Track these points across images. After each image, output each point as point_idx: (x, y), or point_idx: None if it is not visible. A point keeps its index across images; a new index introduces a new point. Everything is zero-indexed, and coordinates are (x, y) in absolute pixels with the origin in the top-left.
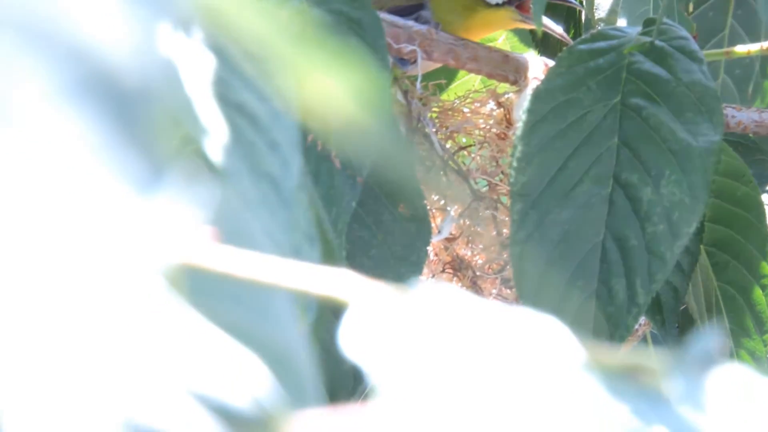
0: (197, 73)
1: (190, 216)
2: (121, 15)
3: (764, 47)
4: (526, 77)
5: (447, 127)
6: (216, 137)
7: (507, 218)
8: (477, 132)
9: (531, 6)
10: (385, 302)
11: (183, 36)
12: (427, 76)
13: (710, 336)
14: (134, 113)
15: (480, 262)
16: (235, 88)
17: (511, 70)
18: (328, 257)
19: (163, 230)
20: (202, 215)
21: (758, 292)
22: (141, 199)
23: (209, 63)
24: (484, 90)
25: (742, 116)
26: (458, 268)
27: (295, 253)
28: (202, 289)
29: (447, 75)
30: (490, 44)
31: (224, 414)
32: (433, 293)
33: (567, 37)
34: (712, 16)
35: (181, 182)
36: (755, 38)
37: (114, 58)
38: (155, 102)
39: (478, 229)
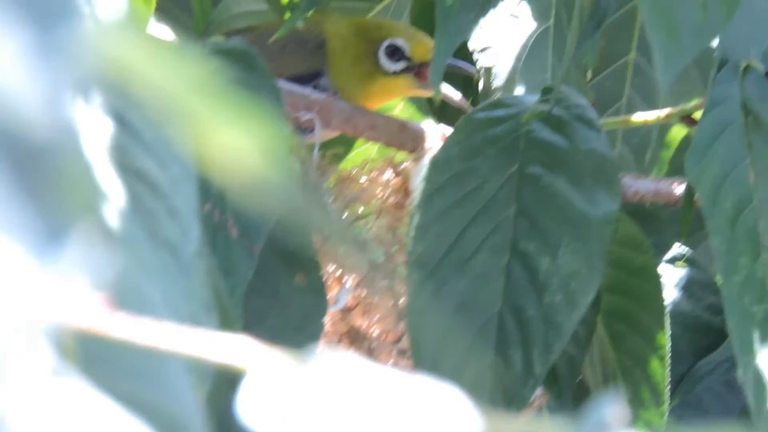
0: (97, 138)
1: (86, 282)
2: (26, 71)
3: (661, 116)
4: (423, 146)
5: (344, 197)
6: (115, 203)
7: (404, 288)
8: (374, 201)
9: (429, 74)
10: (282, 370)
11: (84, 98)
12: (325, 145)
13: (608, 404)
14: (36, 174)
15: (376, 332)
16: (135, 154)
17: (409, 139)
18: (225, 327)
19: (58, 295)
20: (99, 281)
21: (655, 363)
22: (37, 261)
23: (109, 128)
24: (381, 159)
25: (639, 186)
26: (355, 339)
27: (193, 321)
28: (96, 356)
29: (345, 144)
30: (388, 113)
31: None
32: (330, 361)
33: (465, 105)
34: (609, 85)
35: (79, 246)
36: (653, 107)
37: (19, 116)
38: (58, 163)
39: (375, 300)
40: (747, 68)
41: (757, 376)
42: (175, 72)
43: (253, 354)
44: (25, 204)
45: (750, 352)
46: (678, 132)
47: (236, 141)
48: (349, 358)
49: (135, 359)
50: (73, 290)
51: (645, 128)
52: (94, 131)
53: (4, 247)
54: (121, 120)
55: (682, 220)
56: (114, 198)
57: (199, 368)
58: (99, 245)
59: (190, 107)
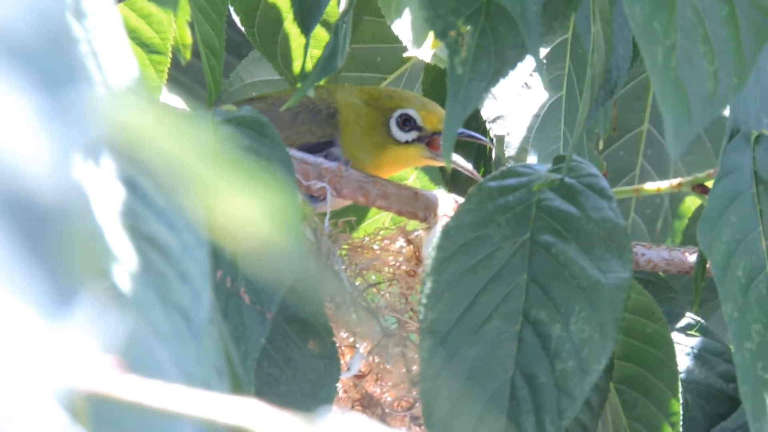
0: (108, 203)
1: (97, 344)
2: (34, 135)
3: (673, 184)
4: (435, 214)
5: (356, 265)
6: (126, 268)
7: (416, 355)
8: (386, 269)
9: (441, 143)
10: None
11: (96, 164)
12: (337, 214)
13: None
14: (46, 236)
15: (389, 399)
16: (147, 219)
17: (420, 208)
18: (237, 392)
19: (68, 358)
20: (109, 343)
21: (668, 430)
22: (48, 323)
23: (121, 193)
24: (393, 227)
25: (651, 254)
26: (367, 406)
27: (205, 385)
28: (106, 418)
29: (358, 213)
30: (401, 182)
31: None
32: (340, 425)
33: (476, 174)
34: (623, 156)
35: (90, 309)
36: (665, 178)
37: (29, 180)
38: (68, 226)
39: (388, 367)
40: (759, 137)
41: None
42: (187, 140)
43: (263, 417)
44: (36, 267)
45: (763, 420)
46: (692, 202)
47: (247, 209)
48: (360, 422)
49: (145, 422)
50: (84, 352)
51: (658, 199)
52: (105, 196)
53: (17, 309)
54: (132, 186)
55: (695, 289)
56: (125, 262)
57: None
58: (109, 308)
59: (201, 175)
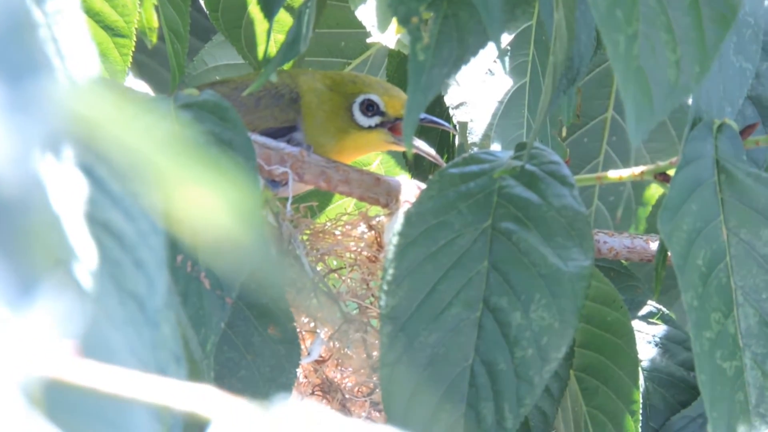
0: (65, 192)
1: (55, 330)
2: None
3: (635, 173)
4: (397, 200)
5: (318, 250)
6: (82, 256)
7: (377, 341)
8: (348, 255)
9: (402, 129)
10: (249, 420)
11: (55, 153)
12: (299, 199)
13: None
14: (6, 227)
15: (349, 384)
16: (103, 206)
17: (382, 193)
18: (196, 377)
19: (26, 343)
20: (68, 331)
21: (628, 419)
22: (9, 311)
23: (78, 181)
24: (355, 213)
25: (613, 242)
26: (327, 391)
27: (161, 371)
28: (63, 403)
29: (321, 198)
30: (364, 167)
31: None
32: (297, 411)
33: (440, 160)
34: (587, 143)
35: (50, 297)
36: (629, 165)
37: None
38: (28, 217)
39: (348, 352)
40: (721, 126)
41: None
42: (146, 128)
43: (220, 403)
44: None
45: (720, 409)
46: (656, 190)
47: (206, 200)
48: (317, 409)
49: (101, 407)
50: (42, 339)
51: (621, 186)
52: (62, 184)
53: None
54: (89, 173)
55: (655, 277)
56: (82, 251)
57: (166, 417)
58: (68, 296)
59: (159, 165)
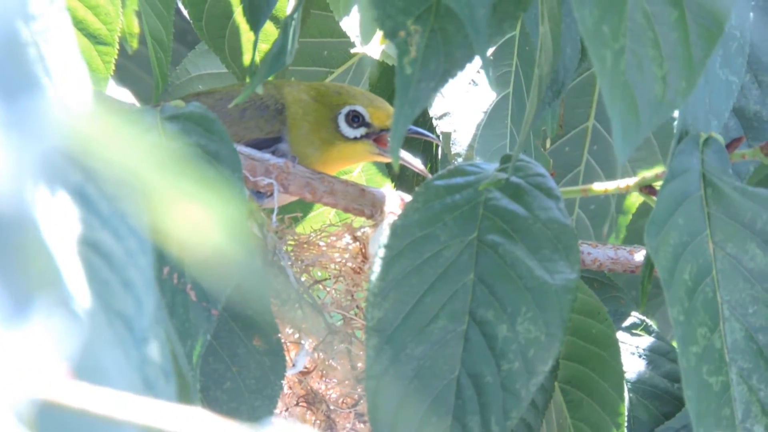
0: (55, 212)
1: (48, 351)
2: None
3: (621, 186)
4: (382, 211)
5: (302, 261)
6: (71, 276)
7: (362, 353)
8: (332, 266)
9: (388, 140)
10: None
11: (45, 173)
12: (283, 209)
13: None
14: (1, 247)
15: (334, 396)
16: (92, 226)
17: (367, 204)
18: (184, 391)
19: (21, 364)
20: (60, 351)
21: (613, 431)
22: (2, 328)
23: (67, 202)
24: (340, 224)
25: (597, 253)
26: (312, 402)
27: (149, 389)
28: (55, 424)
29: (302, 207)
30: (346, 176)
31: None
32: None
33: (425, 171)
34: (568, 151)
35: (43, 317)
36: (611, 173)
37: None
38: (22, 238)
39: (333, 363)
40: (707, 140)
41: None
42: (133, 146)
43: (209, 424)
44: None
45: (707, 424)
46: (636, 198)
47: (194, 216)
48: (302, 429)
49: (92, 428)
50: (36, 358)
51: (603, 195)
52: (52, 205)
53: None
54: (78, 193)
55: (642, 290)
56: (70, 272)
57: None
58: (61, 315)
59: (147, 182)
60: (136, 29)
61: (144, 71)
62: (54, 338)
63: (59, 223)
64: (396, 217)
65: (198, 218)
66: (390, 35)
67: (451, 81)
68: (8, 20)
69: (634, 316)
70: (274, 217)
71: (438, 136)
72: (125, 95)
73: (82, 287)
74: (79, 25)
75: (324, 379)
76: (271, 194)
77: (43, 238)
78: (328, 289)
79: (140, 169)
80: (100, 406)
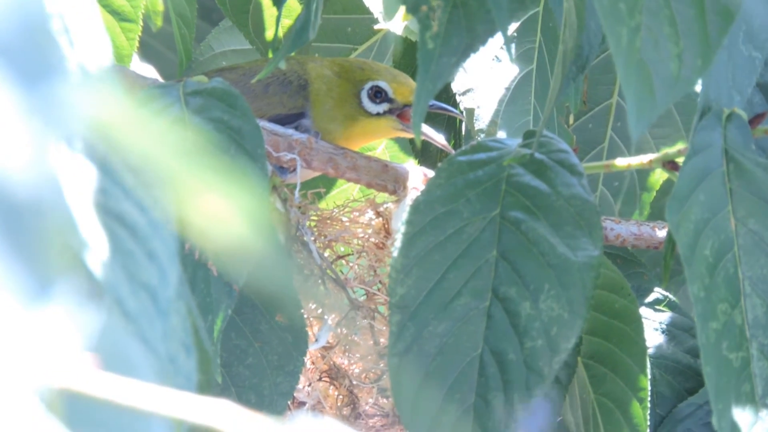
0: (79, 184)
1: (73, 337)
2: (14, 129)
3: (644, 161)
4: (405, 187)
5: (325, 236)
6: (95, 247)
7: (384, 328)
8: (355, 241)
9: (411, 117)
10: None
11: (68, 147)
12: (306, 185)
13: None
14: (24, 228)
15: (357, 371)
16: (116, 198)
17: (390, 180)
18: (205, 366)
19: (47, 351)
20: (86, 336)
21: (636, 405)
22: (27, 314)
23: (91, 173)
24: (363, 199)
25: (621, 229)
26: (335, 377)
27: (172, 362)
28: (81, 414)
29: (325, 183)
30: (370, 153)
31: None
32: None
33: (448, 147)
34: (591, 128)
35: (66, 300)
36: (633, 151)
37: (7, 172)
38: (44, 215)
39: (356, 339)
40: (730, 115)
41: (733, 425)
42: (156, 120)
43: (235, 417)
44: (14, 258)
45: (726, 401)
46: (660, 175)
47: (214, 201)
48: (328, 425)
49: (117, 418)
50: (61, 346)
51: (626, 171)
52: (75, 177)
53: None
54: (102, 165)
55: (664, 266)
56: (94, 242)
57: (180, 429)
58: (85, 299)
59: (169, 161)
60: (160, 6)
61: (166, 48)
62: (75, 322)
63: (82, 194)
64: (419, 193)
65: (221, 196)
66: (412, 10)
67: (473, 56)
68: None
69: (657, 292)
70: (297, 192)
71: (461, 112)
72: (149, 71)
73: (105, 256)
74: (103, 2)
75: (347, 354)
76: (294, 170)
77: (68, 214)
78: (350, 264)
79: (162, 146)
80: (126, 397)
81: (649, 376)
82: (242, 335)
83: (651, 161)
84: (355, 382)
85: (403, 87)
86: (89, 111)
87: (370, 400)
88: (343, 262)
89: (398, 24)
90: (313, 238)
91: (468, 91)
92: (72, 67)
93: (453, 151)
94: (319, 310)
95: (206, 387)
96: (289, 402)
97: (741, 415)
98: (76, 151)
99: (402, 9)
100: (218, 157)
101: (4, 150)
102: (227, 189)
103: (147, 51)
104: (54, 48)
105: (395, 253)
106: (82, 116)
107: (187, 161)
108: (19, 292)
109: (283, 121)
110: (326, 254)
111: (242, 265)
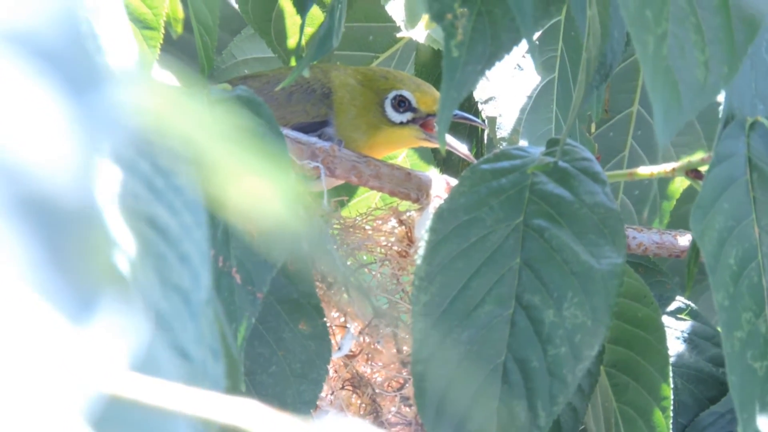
0: (110, 188)
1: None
2: (62, 138)
3: (667, 170)
4: (428, 195)
5: (348, 244)
6: (128, 251)
7: (407, 336)
8: (378, 249)
9: (435, 125)
10: None
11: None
12: (329, 193)
13: None
14: (68, 240)
15: (380, 379)
16: (147, 201)
17: (413, 188)
18: (232, 372)
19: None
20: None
21: (658, 414)
22: (71, 327)
23: (122, 177)
24: (385, 207)
25: (642, 237)
26: (358, 386)
27: (202, 366)
28: (110, 414)
29: (348, 192)
30: (392, 161)
31: None
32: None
33: (471, 156)
34: (612, 136)
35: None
36: (654, 158)
37: (51, 183)
38: (87, 227)
39: (379, 347)
40: (754, 124)
41: None
42: (187, 118)
43: (260, 417)
44: (59, 271)
45: (751, 410)
46: (680, 183)
47: (257, 188)
48: (354, 425)
49: (145, 419)
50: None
51: (647, 180)
52: (107, 182)
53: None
54: (133, 168)
55: (687, 275)
56: (127, 246)
57: (208, 429)
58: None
59: (210, 155)
60: (180, 14)
61: (185, 56)
62: (121, 335)
63: (114, 198)
64: (442, 201)
65: (260, 195)
66: (437, 18)
67: (497, 64)
68: (76, 10)
69: (679, 301)
70: (324, 200)
71: (483, 121)
72: (170, 79)
73: (138, 260)
74: (125, 10)
75: (369, 362)
76: (318, 178)
77: (107, 228)
78: (373, 272)
79: (195, 140)
80: (155, 398)
81: (671, 385)
82: (265, 343)
83: (674, 170)
84: (378, 391)
85: (426, 96)
86: (127, 114)
87: (393, 409)
88: (366, 270)
89: (420, 32)
90: (336, 247)
91: (490, 99)
92: (111, 72)
93: (475, 161)
94: (342, 319)
95: (233, 393)
96: (312, 410)
97: (766, 424)
98: (108, 155)
99: (424, 17)
100: (251, 148)
101: (50, 160)
102: (263, 176)
103: (164, 59)
104: (95, 53)
105: (419, 261)
106: (122, 122)
107: (222, 150)
108: (64, 308)
109: (306, 129)
110: (349, 263)
111: (266, 265)
